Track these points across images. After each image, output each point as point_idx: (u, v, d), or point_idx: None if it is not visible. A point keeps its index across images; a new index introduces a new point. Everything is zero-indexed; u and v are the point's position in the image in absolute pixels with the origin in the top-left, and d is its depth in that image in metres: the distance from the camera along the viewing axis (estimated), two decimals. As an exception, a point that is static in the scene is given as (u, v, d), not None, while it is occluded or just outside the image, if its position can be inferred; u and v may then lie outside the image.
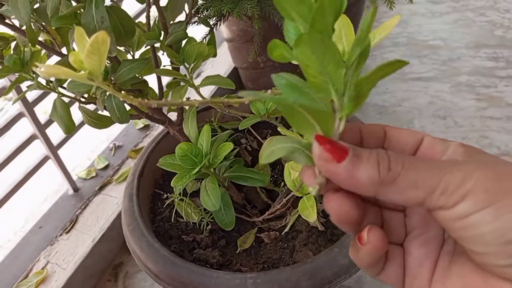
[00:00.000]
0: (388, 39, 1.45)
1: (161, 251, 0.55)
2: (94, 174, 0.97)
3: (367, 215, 0.27)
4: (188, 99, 0.69)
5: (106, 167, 0.99)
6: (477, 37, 1.43)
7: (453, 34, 1.45)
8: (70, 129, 0.57)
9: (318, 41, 0.21)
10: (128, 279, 0.86)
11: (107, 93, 0.55)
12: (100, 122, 0.61)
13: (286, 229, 0.63)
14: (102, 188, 0.94)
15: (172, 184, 0.54)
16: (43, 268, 0.81)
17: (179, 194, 0.61)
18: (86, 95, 0.61)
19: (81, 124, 0.95)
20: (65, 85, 0.59)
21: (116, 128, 1.12)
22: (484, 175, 0.22)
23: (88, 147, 1.09)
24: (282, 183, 0.66)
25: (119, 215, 0.88)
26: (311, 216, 0.51)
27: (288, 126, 0.62)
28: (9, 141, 0.83)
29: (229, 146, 0.55)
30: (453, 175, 0.22)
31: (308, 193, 0.53)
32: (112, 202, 0.90)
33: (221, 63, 1.25)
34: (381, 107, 1.18)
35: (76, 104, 0.62)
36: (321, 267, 0.52)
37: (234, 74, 1.20)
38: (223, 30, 1.07)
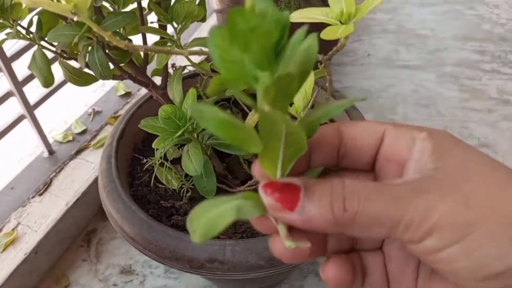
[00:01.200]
0: (377, 25, 1.45)
1: (138, 213, 0.54)
2: (71, 138, 0.94)
3: (332, 241, 0.25)
4: (173, 64, 0.67)
5: (84, 132, 0.96)
6: (465, 29, 1.44)
7: (442, 25, 1.46)
8: (49, 82, 0.54)
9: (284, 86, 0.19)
10: (101, 245, 0.84)
11: (89, 48, 0.53)
12: (81, 79, 0.59)
13: (266, 201, 0.63)
14: (78, 152, 0.91)
15: (153, 145, 0.52)
16: (13, 229, 0.79)
17: (163, 159, 0.59)
18: (67, 50, 0.59)
19: (59, 85, 0.92)
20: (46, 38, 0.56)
21: (96, 94, 1.09)
22: (450, 205, 0.20)
23: (66, 110, 1.05)
24: (265, 155, 0.65)
25: (95, 180, 0.86)
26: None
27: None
28: (-17, 97, 0.79)
29: (215, 111, 0.54)
30: (417, 207, 0.20)
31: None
32: (89, 167, 0.88)
33: (209, 35, 1.23)
34: (366, 91, 1.18)
35: (56, 64, 0.59)
36: (300, 238, 0.52)
37: (221, 48, 1.18)
38: (214, 1, 1.04)
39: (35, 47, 0.56)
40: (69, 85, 0.95)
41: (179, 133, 0.52)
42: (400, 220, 0.20)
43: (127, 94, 1.07)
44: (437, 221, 0.19)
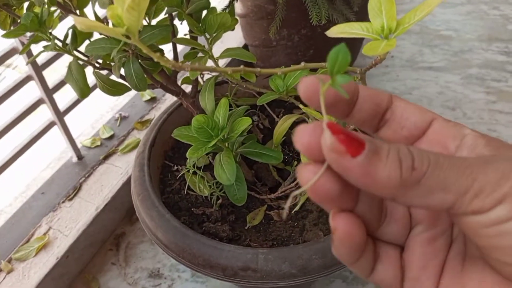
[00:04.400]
0: (400, 26, 1.43)
1: (172, 222, 0.55)
2: (98, 143, 0.96)
3: (362, 204, 0.23)
4: (201, 75, 0.68)
5: (111, 137, 0.98)
6: (489, 30, 1.41)
7: (466, 25, 1.44)
8: (85, 93, 0.56)
9: None
10: (130, 249, 0.85)
11: (123, 59, 0.54)
12: (114, 89, 0.60)
13: (296, 208, 0.63)
14: (106, 157, 0.93)
15: (187, 155, 0.53)
16: (44, 234, 0.81)
17: (193, 166, 0.60)
18: (100, 61, 0.60)
19: (88, 91, 0.93)
20: (80, 48, 0.58)
21: (122, 99, 1.10)
22: None
23: (93, 116, 1.07)
24: (295, 163, 0.65)
25: (123, 185, 0.87)
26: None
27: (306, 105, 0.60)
28: (15, 105, 0.81)
29: (247, 121, 0.54)
30: (488, 175, 0.19)
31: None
32: (117, 172, 0.89)
33: (231, 39, 1.23)
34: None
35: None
36: (333, 247, 0.52)
37: (244, 52, 1.18)
38: (237, 6, 1.04)
39: (69, 58, 0.58)
40: (96, 91, 0.97)
41: (213, 143, 0.53)
42: (470, 187, 0.19)
43: (153, 99, 1.08)
44: (509, 189, 0.19)
